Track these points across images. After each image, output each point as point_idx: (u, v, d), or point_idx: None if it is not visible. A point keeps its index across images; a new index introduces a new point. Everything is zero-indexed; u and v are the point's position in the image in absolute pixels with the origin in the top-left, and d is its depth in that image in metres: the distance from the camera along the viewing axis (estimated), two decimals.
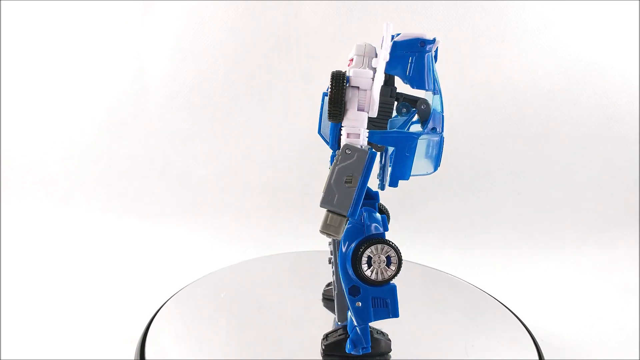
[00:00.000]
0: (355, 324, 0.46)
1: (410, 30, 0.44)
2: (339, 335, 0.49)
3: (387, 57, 0.41)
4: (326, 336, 0.50)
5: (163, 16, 1.08)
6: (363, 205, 0.44)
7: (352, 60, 0.47)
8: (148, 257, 0.90)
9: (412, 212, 0.96)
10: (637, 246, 0.94)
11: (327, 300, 0.59)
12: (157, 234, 0.98)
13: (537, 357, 0.51)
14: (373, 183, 0.49)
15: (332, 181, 0.41)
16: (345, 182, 0.41)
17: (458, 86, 1.02)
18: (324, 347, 0.49)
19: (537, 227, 0.98)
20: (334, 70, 0.41)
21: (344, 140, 0.41)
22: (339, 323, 0.49)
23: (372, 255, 0.44)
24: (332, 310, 0.54)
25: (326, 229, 0.41)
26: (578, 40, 1.02)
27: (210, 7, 1.06)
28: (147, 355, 0.50)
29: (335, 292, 0.48)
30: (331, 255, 0.53)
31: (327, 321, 0.56)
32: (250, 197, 1.04)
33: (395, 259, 0.45)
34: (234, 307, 0.60)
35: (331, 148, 0.47)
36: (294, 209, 1.01)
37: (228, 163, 1.08)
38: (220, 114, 1.08)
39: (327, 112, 0.43)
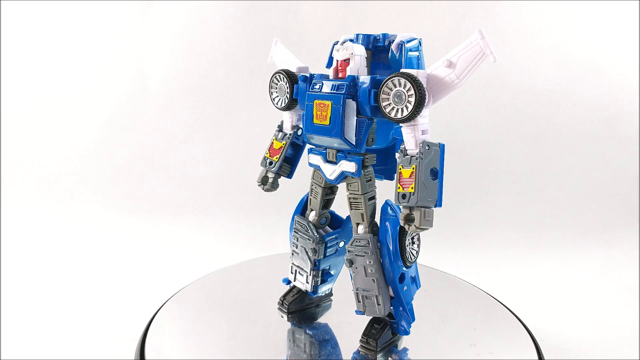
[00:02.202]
0: (403, 307, 0.50)
1: (404, 32, 0.47)
2: (381, 329, 0.51)
3: (496, 60, 0.43)
4: (367, 337, 0.50)
5: (163, 16, 1.08)
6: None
7: (347, 60, 0.46)
8: (148, 257, 0.90)
9: None
10: (637, 246, 0.94)
11: (292, 312, 0.57)
12: (157, 234, 0.98)
13: (537, 357, 0.51)
14: None
15: (422, 179, 0.43)
16: (431, 177, 0.43)
17: None
18: (378, 349, 0.50)
19: (537, 227, 0.98)
20: (404, 72, 0.43)
21: (419, 138, 0.43)
22: (382, 316, 0.50)
23: (404, 240, 0.48)
24: (306, 321, 0.56)
25: (425, 224, 0.43)
26: (578, 40, 1.02)
27: (210, 7, 1.06)
28: (147, 355, 0.50)
29: (380, 288, 0.49)
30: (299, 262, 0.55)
31: (327, 320, 0.56)
32: (250, 197, 1.04)
33: (417, 236, 0.50)
34: (234, 307, 0.60)
35: (359, 151, 0.47)
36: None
37: (228, 163, 1.08)
38: (220, 114, 1.08)
39: (345, 115, 0.45)
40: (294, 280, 0.57)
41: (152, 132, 1.10)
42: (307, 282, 0.55)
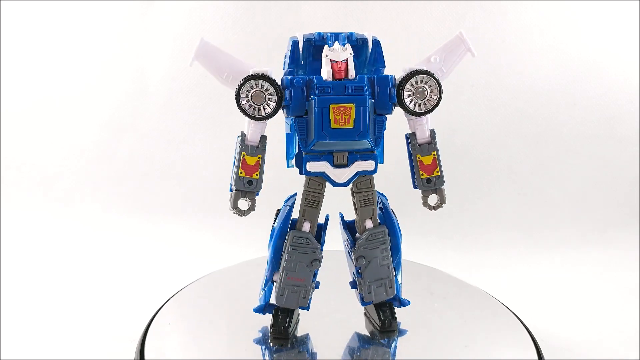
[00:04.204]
0: (399, 281, 0.54)
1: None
2: (390, 309, 0.54)
3: (474, 55, 0.49)
4: (386, 320, 0.53)
5: (163, 16, 1.08)
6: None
7: (346, 62, 0.46)
8: (148, 257, 0.90)
9: (412, 213, 0.95)
10: (637, 246, 0.94)
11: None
12: (157, 234, 0.98)
13: (536, 357, 0.51)
14: None
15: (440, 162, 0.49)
16: None
17: (458, 86, 1.02)
18: (395, 327, 0.54)
19: (538, 227, 0.98)
20: (424, 69, 0.47)
21: (429, 128, 0.49)
22: (391, 297, 0.53)
23: None
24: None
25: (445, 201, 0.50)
26: (578, 40, 1.02)
27: (210, 7, 1.06)
28: (147, 355, 0.50)
29: (391, 272, 0.52)
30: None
31: (325, 319, 0.56)
32: None
33: None
34: (234, 307, 0.60)
35: (377, 148, 0.48)
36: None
37: (228, 163, 1.07)
38: (220, 114, 1.08)
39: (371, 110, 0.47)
40: (283, 302, 0.52)
41: (152, 132, 1.10)
42: (304, 298, 0.52)
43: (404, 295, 0.55)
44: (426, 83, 0.47)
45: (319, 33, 0.49)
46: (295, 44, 0.49)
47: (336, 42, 0.47)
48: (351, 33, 0.49)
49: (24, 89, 1.13)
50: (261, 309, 0.53)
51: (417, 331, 0.55)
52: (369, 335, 0.54)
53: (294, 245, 0.50)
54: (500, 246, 0.94)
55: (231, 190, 0.49)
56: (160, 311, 0.59)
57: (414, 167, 0.49)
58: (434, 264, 0.74)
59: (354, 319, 0.56)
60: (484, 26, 1.01)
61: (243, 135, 0.49)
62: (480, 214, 1.00)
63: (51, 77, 1.13)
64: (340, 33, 0.49)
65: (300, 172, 0.52)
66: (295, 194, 0.52)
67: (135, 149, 1.11)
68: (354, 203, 0.52)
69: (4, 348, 0.62)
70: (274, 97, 0.47)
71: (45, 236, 0.97)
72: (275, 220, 0.53)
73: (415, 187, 0.51)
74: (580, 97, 1.03)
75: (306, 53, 0.50)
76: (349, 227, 0.54)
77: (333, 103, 0.46)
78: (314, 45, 0.49)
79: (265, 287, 0.52)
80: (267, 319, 0.53)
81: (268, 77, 0.46)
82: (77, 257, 0.89)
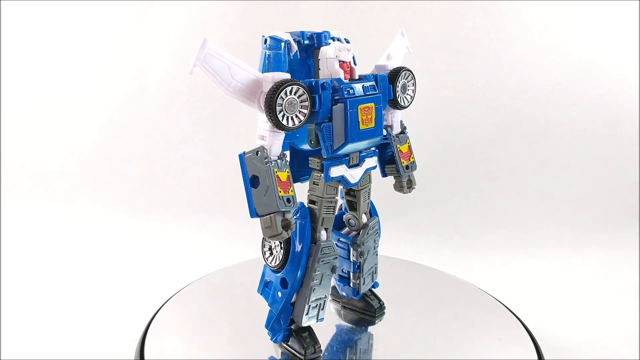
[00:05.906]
0: None
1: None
2: (372, 295, 0.58)
3: (410, 52, 0.54)
4: (377, 305, 0.57)
5: (163, 16, 1.08)
6: None
7: (349, 62, 0.47)
8: (148, 257, 0.90)
9: (412, 212, 0.96)
10: (637, 246, 0.94)
11: None
12: (157, 234, 0.98)
13: (536, 357, 0.51)
14: None
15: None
16: None
17: (458, 86, 1.02)
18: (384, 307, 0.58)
19: (537, 227, 0.98)
20: (403, 66, 0.51)
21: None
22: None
23: None
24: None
25: None
26: (578, 40, 1.02)
27: (210, 7, 1.06)
28: (147, 355, 0.50)
29: (377, 258, 0.56)
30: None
31: (325, 319, 0.56)
32: None
33: None
34: (234, 307, 0.60)
35: (379, 143, 0.50)
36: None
37: (228, 163, 1.08)
38: (220, 114, 1.08)
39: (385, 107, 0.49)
40: (308, 321, 0.49)
41: (152, 132, 1.10)
42: (322, 310, 0.49)
43: (403, 295, 0.56)
44: (406, 78, 0.51)
45: (302, 32, 0.48)
46: (288, 45, 0.47)
47: (338, 42, 0.47)
48: (327, 32, 0.49)
49: (24, 89, 1.14)
50: (280, 338, 0.50)
51: (416, 331, 0.55)
52: (352, 325, 0.56)
53: (322, 257, 0.47)
54: (500, 246, 0.94)
55: (254, 215, 0.43)
56: (160, 311, 0.59)
57: (395, 157, 0.52)
58: (434, 264, 0.74)
59: (328, 315, 0.56)
60: (484, 26, 1.01)
61: (264, 150, 0.43)
62: (480, 214, 1.00)
63: (51, 77, 1.13)
64: (321, 33, 0.48)
65: (295, 181, 0.51)
66: (302, 204, 0.48)
67: (135, 149, 1.11)
68: (349, 201, 0.53)
69: (4, 348, 0.62)
70: (306, 103, 0.43)
71: (45, 236, 0.97)
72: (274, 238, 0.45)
73: (383, 175, 0.53)
74: (580, 97, 1.03)
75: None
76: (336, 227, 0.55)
77: (360, 104, 0.45)
78: (302, 46, 0.48)
79: (281, 313, 0.48)
80: (264, 318, 0.51)
81: (302, 83, 0.42)
82: (77, 257, 0.89)
